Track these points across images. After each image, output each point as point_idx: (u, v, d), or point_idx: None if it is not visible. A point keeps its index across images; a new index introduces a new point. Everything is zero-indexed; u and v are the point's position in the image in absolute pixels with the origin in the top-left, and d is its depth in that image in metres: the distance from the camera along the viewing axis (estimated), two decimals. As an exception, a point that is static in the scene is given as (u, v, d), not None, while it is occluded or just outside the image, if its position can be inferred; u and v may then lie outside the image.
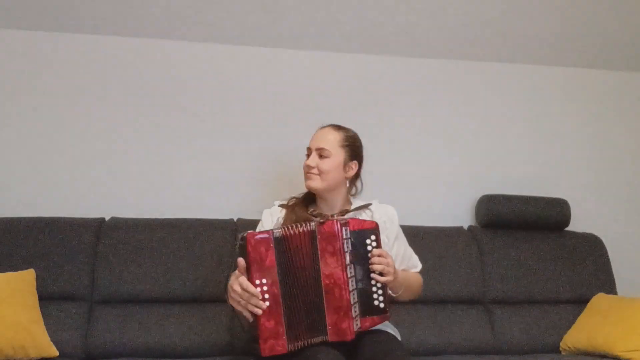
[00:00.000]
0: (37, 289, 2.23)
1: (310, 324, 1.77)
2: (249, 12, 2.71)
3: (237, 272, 1.77)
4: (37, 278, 2.25)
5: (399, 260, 2.08)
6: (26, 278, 2.22)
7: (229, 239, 2.47)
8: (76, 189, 2.66)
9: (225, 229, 2.50)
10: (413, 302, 2.47)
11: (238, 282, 1.73)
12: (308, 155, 2.09)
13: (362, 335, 1.89)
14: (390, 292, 1.93)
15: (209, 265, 2.41)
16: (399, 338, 2.03)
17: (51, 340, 2.13)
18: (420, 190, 2.90)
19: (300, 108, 2.86)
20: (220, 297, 2.39)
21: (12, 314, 2.08)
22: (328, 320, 1.77)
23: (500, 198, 2.78)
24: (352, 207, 2.10)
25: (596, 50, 3.05)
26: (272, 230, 1.81)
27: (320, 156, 2.05)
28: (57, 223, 2.43)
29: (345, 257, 1.79)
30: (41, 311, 2.19)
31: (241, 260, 1.74)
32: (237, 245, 1.77)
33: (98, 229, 2.45)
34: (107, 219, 2.53)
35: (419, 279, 2.15)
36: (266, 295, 1.73)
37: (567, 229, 2.83)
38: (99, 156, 2.69)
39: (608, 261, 2.77)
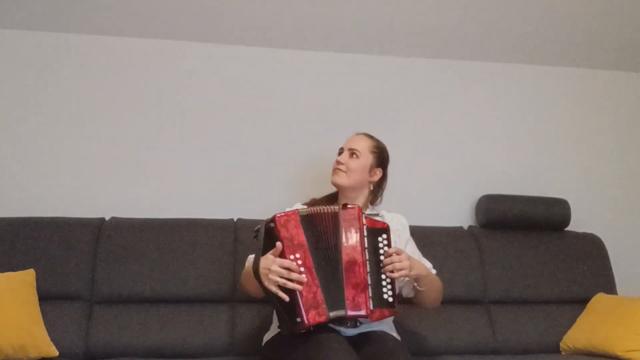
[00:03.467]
0: (37, 289, 2.23)
1: (335, 296, 1.84)
2: (250, 12, 2.71)
3: (269, 255, 1.83)
4: (37, 278, 2.25)
5: None
6: (26, 278, 2.22)
7: (229, 239, 2.48)
8: (76, 189, 2.66)
9: (225, 229, 2.50)
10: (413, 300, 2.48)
11: (276, 263, 1.79)
12: (339, 154, 2.22)
13: (366, 334, 1.94)
14: (417, 287, 2.01)
15: (209, 265, 2.41)
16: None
17: (51, 340, 2.13)
18: (420, 190, 2.90)
19: (301, 108, 2.86)
20: (220, 297, 2.41)
21: (12, 314, 2.08)
22: (346, 294, 1.84)
23: (500, 198, 2.78)
24: (367, 212, 2.16)
25: (596, 50, 3.05)
26: (297, 209, 1.92)
27: (351, 155, 2.19)
28: (57, 223, 2.43)
29: (364, 240, 1.90)
30: (41, 311, 2.18)
31: (278, 244, 1.81)
32: (262, 230, 1.86)
33: (98, 229, 2.45)
34: (107, 219, 2.53)
35: (439, 281, 2.16)
36: (301, 269, 1.81)
37: (567, 229, 2.83)
38: (99, 156, 2.69)
39: (608, 261, 2.77)
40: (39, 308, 2.19)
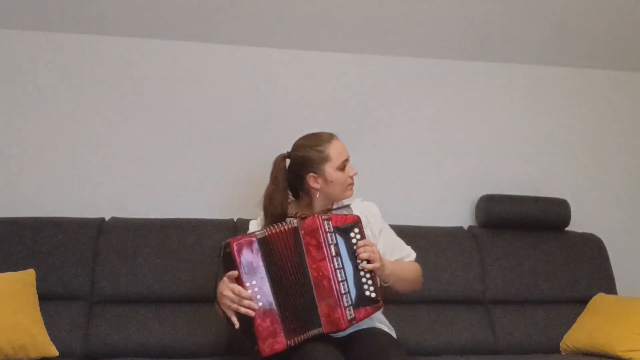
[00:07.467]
0: (37, 289, 2.23)
1: (305, 318, 1.81)
2: (250, 12, 2.71)
3: (225, 279, 1.81)
4: (37, 278, 2.25)
5: (388, 252, 2.08)
6: (26, 278, 2.22)
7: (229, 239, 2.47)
8: (76, 189, 2.66)
9: (225, 229, 2.50)
10: (413, 300, 2.48)
11: (229, 288, 1.78)
12: (344, 167, 2.05)
13: (357, 333, 1.92)
14: (382, 282, 1.95)
15: (208, 266, 2.41)
16: (395, 336, 2.04)
17: (51, 340, 2.13)
18: (420, 190, 2.90)
19: (300, 108, 2.85)
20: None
21: (12, 314, 2.08)
22: (320, 312, 1.81)
23: (500, 198, 2.78)
24: (334, 206, 2.11)
25: (596, 50, 3.05)
26: (254, 232, 1.86)
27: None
28: (57, 223, 2.43)
29: (330, 249, 1.84)
30: (41, 311, 2.19)
31: (233, 272, 1.79)
32: (221, 254, 1.82)
33: (98, 229, 2.45)
34: (107, 219, 2.53)
35: (415, 267, 2.13)
36: (258, 296, 1.78)
37: (567, 229, 2.83)
38: (99, 156, 2.69)
39: (608, 261, 2.77)
40: (39, 308, 2.19)
